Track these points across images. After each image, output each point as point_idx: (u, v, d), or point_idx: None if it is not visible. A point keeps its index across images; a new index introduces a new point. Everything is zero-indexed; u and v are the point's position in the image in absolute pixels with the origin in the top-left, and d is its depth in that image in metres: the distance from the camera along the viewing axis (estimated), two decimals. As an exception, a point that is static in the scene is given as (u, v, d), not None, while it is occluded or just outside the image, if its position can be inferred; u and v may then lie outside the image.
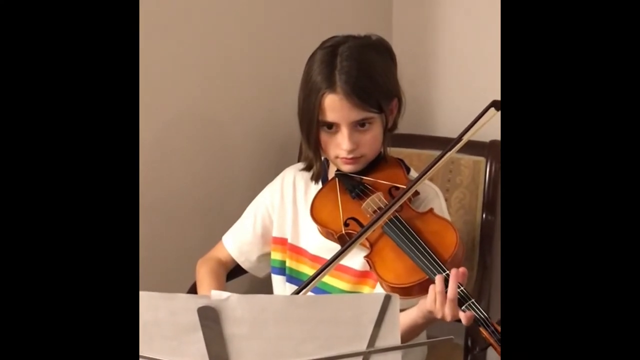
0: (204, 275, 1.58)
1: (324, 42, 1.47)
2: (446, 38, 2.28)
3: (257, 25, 2.04)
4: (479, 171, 1.99)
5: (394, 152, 1.63)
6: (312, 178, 1.56)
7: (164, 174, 1.89)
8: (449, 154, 1.42)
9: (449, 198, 2.00)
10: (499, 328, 1.20)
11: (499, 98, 1.10)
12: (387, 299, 1.04)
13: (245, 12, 2.01)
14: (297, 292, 1.33)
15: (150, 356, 1.07)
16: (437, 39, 2.30)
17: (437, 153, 2.02)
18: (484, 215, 1.98)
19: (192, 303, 1.04)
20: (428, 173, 1.41)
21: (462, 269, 1.25)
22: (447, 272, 1.26)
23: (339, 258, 1.34)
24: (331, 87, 1.39)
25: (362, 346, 1.05)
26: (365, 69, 1.40)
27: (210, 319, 1.04)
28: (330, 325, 1.05)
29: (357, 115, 1.40)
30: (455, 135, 2.13)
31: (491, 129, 1.94)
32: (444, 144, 2.06)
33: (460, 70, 2.27)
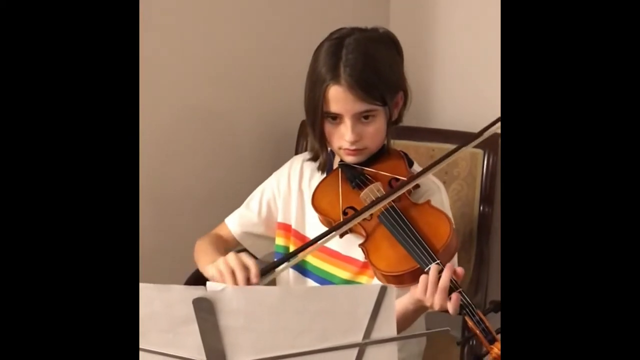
0: (205, 246, 1.58)
1: (331, 34, 1.47)
2: (444, 30, 2.28)
3: (258, 19, 2.04)
4: (476, 163, 1.99)
5: (392, 144, 1.62)
6: (318, 168, 1.57)
7: (167, 166, 1.90)
8: (456, 153, 1.42)
9: (447, 190, 2.00)
10: (484, 317, 1.21)
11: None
12: (382, 291, 1.04)
13: (248, 5, 2.01)
14: (272, 268, 1.35)
15: (146, 348, 1.07)
16: (435, 31, 2.29)
17: (435, 145, 2.04)
18: (481, 208, 1.98)
19: (187, 295, 1.04)
20: (431, 170, 1.41)
21: (460, 270, 1.26)
22: (438, 261, 1.28)
23: (323, 239, 1.36)
24: (335, 78, 1.39)
25: (358, 338, 1.05)
26: (370, 61, 1.41)
27: (205, 310, 1.03)
28: (326, 317, 1.05)
29: (360, 107, 1.41)
30: (453, 127, 2.14)
31: (488, 121, 1.93)
32: (442, 136, 2.08)
33: (458, 63, 2.26)
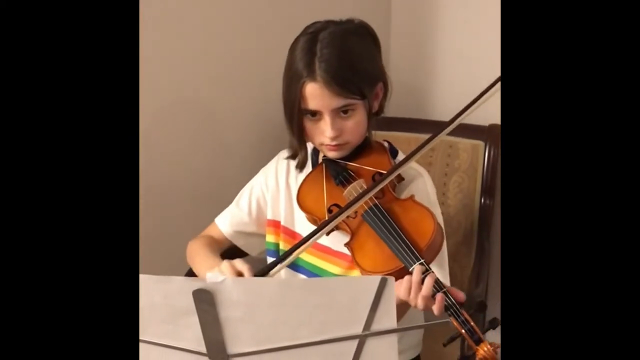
0: (198, 248, 1.58)
1: (306, 28, 1.46)
2: (445, 25, 2.28)
3: (258, 17, 2.02)
4: (477, 155, 1.99)
5: (391, 136, 1.62)
6: (297, 166, 1.56)
7: (158, 162, 1.88)
8: (445, 131, 1.41)
9: (448, 182, 2.00)
10: (469, 318, 1.20)
11: (498, 83, 1.09)
12: (382, 283, 1.03)
13: (248, 4, 2.00)
14: (268, 270, 1.34)
15: (146, 339, 1.07)
16: (437, 25, 2.29)
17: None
18: (482, 200, 1.97)
19: (187, 286, 1.03)
20: (410, 159, 1.40)
21: (461, 296, 1.25)
22: (422, 260, 1.27)
23: (313, 238, 1.35)
24: (311, 75, 1.38)
25: (358, 330, 1.05)
26: (345, 55, 1.39)
27: (205, 302, 1.03)
28: (326, 309, 1.05)
29: (338, 102, 1.39)
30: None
31: (490, 112, 1.93)
32: (442, 128, 2.07)
33: (459, 56, 2.26)
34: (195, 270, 1.55)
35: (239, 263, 1.35)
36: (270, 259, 1.60)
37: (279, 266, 1.34)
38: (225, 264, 1.35)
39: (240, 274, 1.32)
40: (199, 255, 1.55)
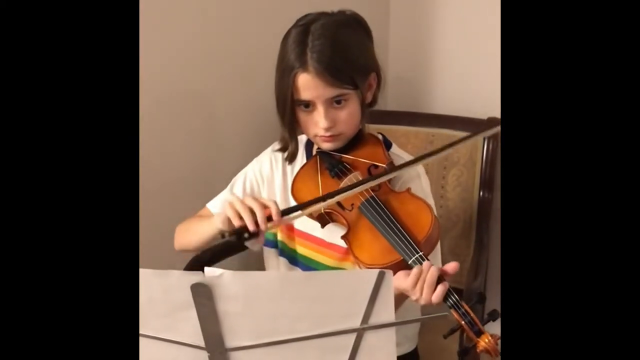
0: (189, 221, 1.57)
1: (297, 21, 1.46)
2: (445, 16, 2.27)
3: (252, 7, 2.02)
4: (476, 149, 1.99)
5: (391, 130, 1.62)
6: (286, 158, 1.56)
7: (154, 155, 1.88)
8: (441, 153, 1.42)
9: (447, 175, 2.00)
10: (469, 310, 1.21)
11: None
12: (380, 276, 1.03)
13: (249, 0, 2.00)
14: (293, 210, 1.36)
15: (144, 333, 1.07)
16: (436, 17, 2.29)
17: (434, 131, 2.04)
18: (481, 193, 1.98)
19: (185, 280, 1.03)
20: (410, 165, 1.41)
21: (453, 265, 1.26)
22: (421, 253, 1.27)
23: (339, 196, 1.36)
24: (303, 66, 1.39)
25: (356, 323, 1.05)
26: (336, 46, 1.39)
27: (203, 295, 1.03)
28: (324, 302, 1.05)
29: (331, 92, 1.40)
30: (453, 113, 2.14)
31: (489, 106, 1.94)
32: (441, 121, 2.08)
33: (458, 50, 2.26)
34: (191, 241, 1.53)
35: (261, 197, 1.34)
36: (267, 249, 1.60)
37: (299, 212, 1.35)
38: (248, 196, 1.34)
39: (264, 206, 1.30)
40: (193, 224, 1.53)
